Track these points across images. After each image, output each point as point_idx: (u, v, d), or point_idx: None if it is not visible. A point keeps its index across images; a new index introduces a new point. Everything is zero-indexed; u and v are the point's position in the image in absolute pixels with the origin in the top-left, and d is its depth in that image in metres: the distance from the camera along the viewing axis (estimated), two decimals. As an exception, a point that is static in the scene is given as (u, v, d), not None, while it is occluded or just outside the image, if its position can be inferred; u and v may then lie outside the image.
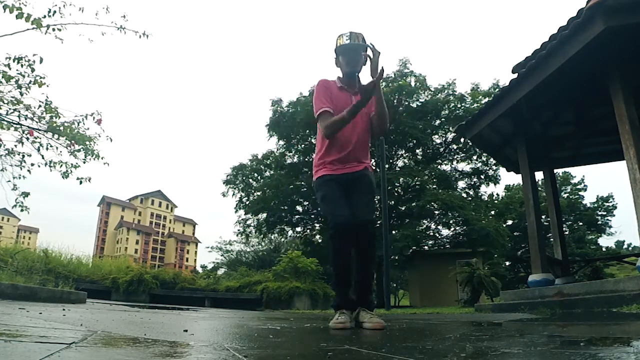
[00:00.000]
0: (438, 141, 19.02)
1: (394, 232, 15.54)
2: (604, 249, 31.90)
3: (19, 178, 5.00)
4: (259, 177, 20.29)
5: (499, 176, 18.41)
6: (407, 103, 17.59)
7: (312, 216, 19.44)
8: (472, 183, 19.37)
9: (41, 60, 4.55)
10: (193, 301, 11.52)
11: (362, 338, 1.84)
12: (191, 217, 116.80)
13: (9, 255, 8.12)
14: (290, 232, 21.24)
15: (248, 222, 20.24)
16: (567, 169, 25.66)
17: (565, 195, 30.89)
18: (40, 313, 2.27)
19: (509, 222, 25.44)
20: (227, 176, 20.00)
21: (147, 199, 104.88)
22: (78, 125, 5.00)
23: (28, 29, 4.26)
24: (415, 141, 17.96)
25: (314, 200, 18.24)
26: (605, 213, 31.48)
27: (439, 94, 17.86)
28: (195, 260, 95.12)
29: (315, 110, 2.48)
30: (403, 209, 18.01)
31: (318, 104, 2.47)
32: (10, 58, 4.46)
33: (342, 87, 2.53)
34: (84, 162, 5.10)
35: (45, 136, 4.97)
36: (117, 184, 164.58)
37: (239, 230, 20.84)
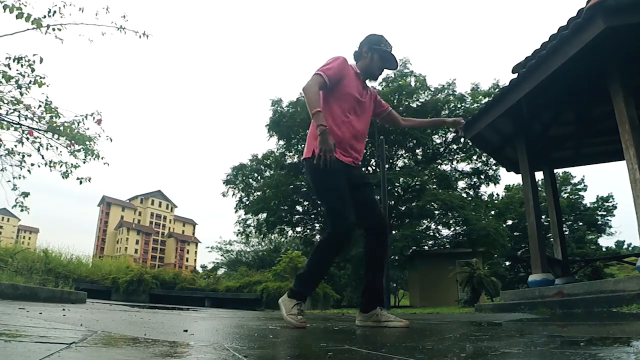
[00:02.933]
0: (438, 141, 19.02)
1: (394, 232, 15.54)
2: (604, 249, 31.90)
3: (19, 178, 5.02)
4: (259, 177, 20.29)
5: (499, 176, 18.43)
6: (407, 103, 17.59)
7: (312, 216, 19.43)
8: (472, 183, 19.37)
9: (41, 60, 4.55)
10: (193, 301, 11.53)
11: (362, 338, 1.84)
12: (191, 217, 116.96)
13: (9, 255, 8.12)
14: (290, 232, 21.24)
15: (248, 222, 20.24)
16: (567, 169, 25.67)
17: (565, 195, 30.87)
18: (40, 313, 2.27)
19: (509, 222, 25.43)
20: (227, 176, 20.01)
21: (147, 199, 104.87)
22: (78, 125, 5.01)
23: (28, 29, 4.27)
24: (415, 141, 17.96)
25: (314, 200, 18.26)
26: (605, 213, 31.45)
27: (439, 94, 17.86)
28: (195, 260, 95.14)
29: (320, 68, 2.34)
30: (403, 209, 18.01)
31: (326, 67, 2.34)
32: (10, 58, 4.47)
33: (359, 74, 2.50)
34: (84, 162, 5.12)
35: (45, 136, 4.98)
36: (117, 184, 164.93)
37: (239, 230, 20.86)
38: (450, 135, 17.80)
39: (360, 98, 2.44)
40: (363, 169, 18.57)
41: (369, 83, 2.60)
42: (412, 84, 17.89)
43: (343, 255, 17.74)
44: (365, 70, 2.51)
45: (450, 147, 18.75)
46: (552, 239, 6.60)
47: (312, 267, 2.31)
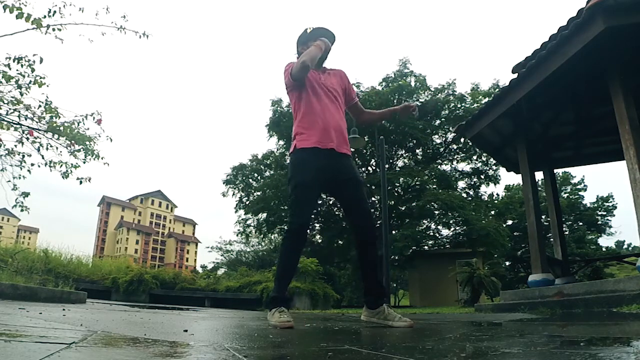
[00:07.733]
0: (438, 141, 19.03)
1: (394, 232, 15.54)
2: (604, 249, 31.90)
3: (19, 178, 5.01)
4: (259, 177, 20.30)
5: (499, 176, 18.44)
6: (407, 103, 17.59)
7: (312, 216, 19.44)
8: (472, 183, 19.38)
9: (41, 61, 4.55)
10: (193, 301, 11.52)
11: (362, 338, 1.84)
12: (191, 217, 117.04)
13: (9, 255, 8.11)
14: (290, 232, 21.21)
15: (248, 222, 20.26)
16: (567, 169, 25.68)
17: (565, 195, 30.88)
18: (40, 313, 2.27)
19: (509, 222, 25.41)
20: (227, 176, 20.02)
21: (147, 199, 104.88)
22: (78, 125, 5.00)
23: (28, 29, 4.26)
24: (415, 141, 17.97)
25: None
26: (605, 213, 31.47)
27: (439, 94, 17.86)
28: (195, 260, 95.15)
29: (285, 75, 2.51)
30: (403, 209, 18.01)
31: (288, 70, 2.50)
32: (10, 58, 4.46)
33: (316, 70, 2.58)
34: (84, 162, 5.11)
35: (45, 136, 4.97)
36: (117, 184, 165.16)
37: (239, 230, 20.90)
38: (450, 135, 17.79)
39: (326, 88, 2.53)
40: (363, 169, 18.60)
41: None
42: (412, 84, 17.90)
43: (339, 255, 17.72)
44: None
45: (450, 147, 18.75)
46: (552, 239, 6.59)
47: (281, 267, 2.39)
